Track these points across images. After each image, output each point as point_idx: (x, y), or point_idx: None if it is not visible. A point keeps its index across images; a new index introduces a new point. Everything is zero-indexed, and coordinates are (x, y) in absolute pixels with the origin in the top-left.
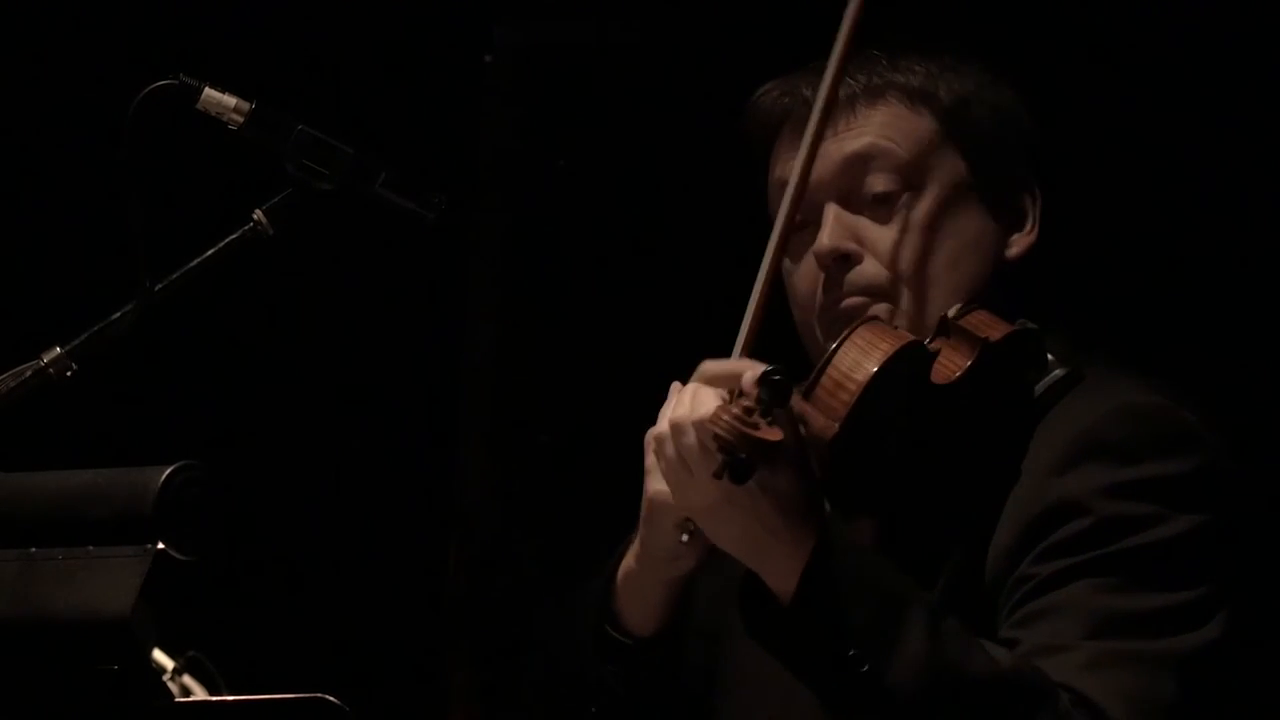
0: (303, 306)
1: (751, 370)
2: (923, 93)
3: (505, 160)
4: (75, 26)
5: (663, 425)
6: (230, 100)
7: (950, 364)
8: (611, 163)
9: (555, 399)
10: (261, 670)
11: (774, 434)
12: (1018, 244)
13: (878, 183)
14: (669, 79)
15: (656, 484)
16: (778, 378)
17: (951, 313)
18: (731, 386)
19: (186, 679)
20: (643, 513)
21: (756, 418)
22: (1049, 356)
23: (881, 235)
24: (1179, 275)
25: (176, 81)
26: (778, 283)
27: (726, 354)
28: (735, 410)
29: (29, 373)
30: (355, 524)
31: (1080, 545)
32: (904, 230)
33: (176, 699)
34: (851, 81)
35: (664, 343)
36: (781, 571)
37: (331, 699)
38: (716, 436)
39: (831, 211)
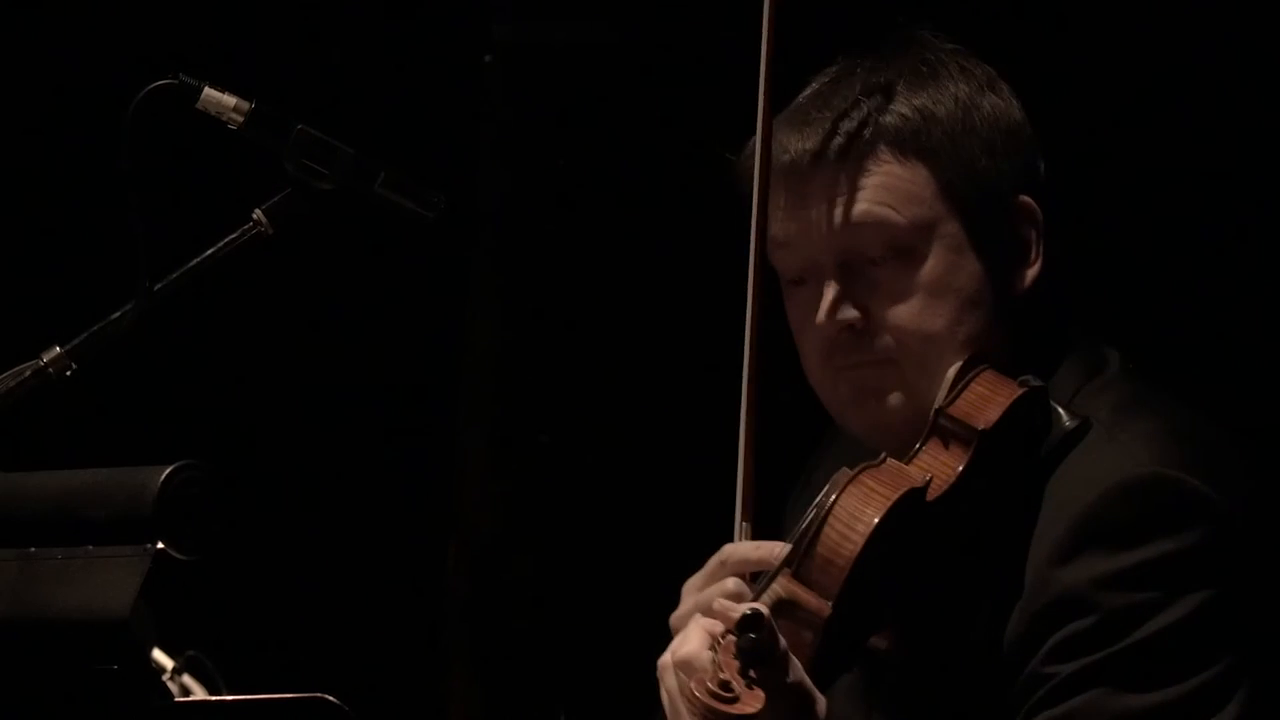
0: (302, 306)
1: (724, 610)
2: (914, 145)
3: (504, 160)
4: (75, 26)
5: (665, 657)
6: (230, 100)
7: (944, 474)
8: (611, 162)
9: (555, 399)
10: (261, 670)
11: (753, 701)
12: (1024, 278)
13: (876, 249)
14: (669, 79)
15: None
16: (752, 635)
17: (943, 396)
18: (719, 614)
19: (186, 678)
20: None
21: (736, 686)
22: (1056, 408)
23: (885, 302)
24: (1191, 277)
25: (176, 81)
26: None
27: (732, 353)
28: (711, 686)
29: (29, 372)
30: (355, 524)
31: (1088, 644)
32: (907, 296)
33: (176, 698)
34: (840, 136)
35: (663, 343)
36: None
37: (331, 699)
38: (693, 713)
39: (831, 284)
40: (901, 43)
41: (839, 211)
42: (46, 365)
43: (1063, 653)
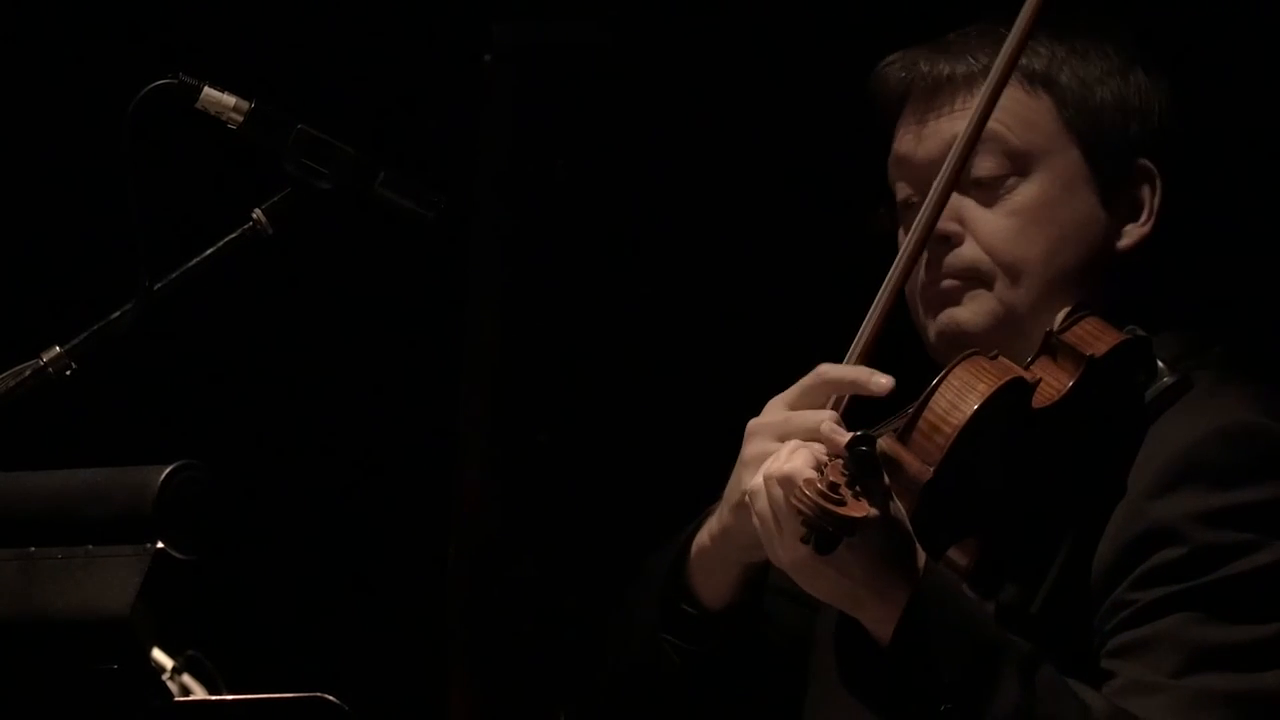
0: (302, 306)
1: (834, 431)
2: (1044, 76)
3: (504, 160)
4: (75, 26)
5: (757, 478)
6: (230, 99)
7: (1053, 385)
8: (611, 162)
9: (554, 398)
10: (261, 669)
11: (860, 509)
12: (1130, 235)
13: (984, 165)
14: (668, 78)
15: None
16: (864, 448)
17: (1057, 325)
18: (825, 437)
19: (186, 678)
20: (730, 501)
21: (843, 491)
22: (1159, 363)
23: (983, 218)
24: None
25: (176, 80)
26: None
27: (731, 353)
28: (821, 486)
29: (28, 372)
30: (354, 523)
31: (1175, 574)
32: (1006, 216)
33: (176, 698)
34: (971, 60)
35: (663, 342)
36: (875, 622)
37: (330, 698)
38: (800, 511)
39: (936, 191)
40: (1061, 7)
41: (955, 126)
42: (46, 365)
43: (1150, 580)
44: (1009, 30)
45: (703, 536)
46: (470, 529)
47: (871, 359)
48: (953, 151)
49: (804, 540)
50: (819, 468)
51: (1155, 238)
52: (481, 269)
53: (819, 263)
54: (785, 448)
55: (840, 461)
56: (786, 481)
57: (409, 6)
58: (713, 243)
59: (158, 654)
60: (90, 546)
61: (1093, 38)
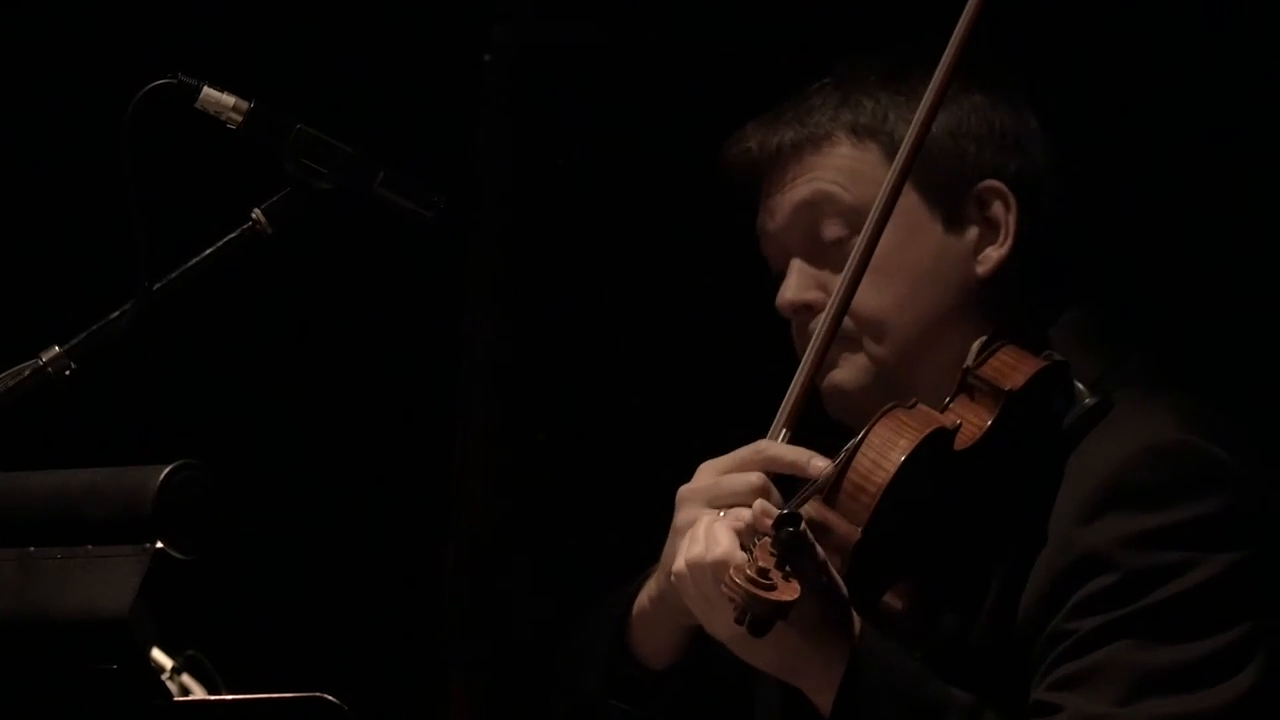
0: (301, 305)
1: (763, 510)
2: (869, 128)
3: (503, 159)
4: (74, 25)
5: (680, 562)
6: (229, 99)
7: (973, 425)
8: (610, 162)
9: (553, 397)
10: (260, 669)
11: (791, 591)
12: (989, 259)
13: (829, 229)
14: (667, 78)
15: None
16: (791, 528)
17: (972, 359)
18: (747, 517)
19: (185, 678)
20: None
21: (773, 575)
22: (1078, 385)
23: (837, 282)
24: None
25: (175, 80)
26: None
27: (730, 354)
28: (750, 572)
29: (27, 372)
30: (353, 523)
31: (1111, 601)
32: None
33: (175, 698)
34: (798, 126)
35: (662, 342)
36: (815, 688)
37: (330, 698)
38: (731, 599)
39: (794, 265)
40: (896, 44)
41: (794, 195)
42: (45, 365)
43: (1086, 609)
44: (846, 68)
45: (642, 598)
46: (469, 529)
47: (800, 420)
48: (860, 240)
49: (737, 622)
50: (746, 547)
51: (1024, 253)
52: (481, 269)
53: None
54: (703, 523)
55: (768, 540)
56: (716, 568)
57: (409, 7)
58: (713, 243)
59: (157, 654)
60: (89, 546)
61: (921, 74)
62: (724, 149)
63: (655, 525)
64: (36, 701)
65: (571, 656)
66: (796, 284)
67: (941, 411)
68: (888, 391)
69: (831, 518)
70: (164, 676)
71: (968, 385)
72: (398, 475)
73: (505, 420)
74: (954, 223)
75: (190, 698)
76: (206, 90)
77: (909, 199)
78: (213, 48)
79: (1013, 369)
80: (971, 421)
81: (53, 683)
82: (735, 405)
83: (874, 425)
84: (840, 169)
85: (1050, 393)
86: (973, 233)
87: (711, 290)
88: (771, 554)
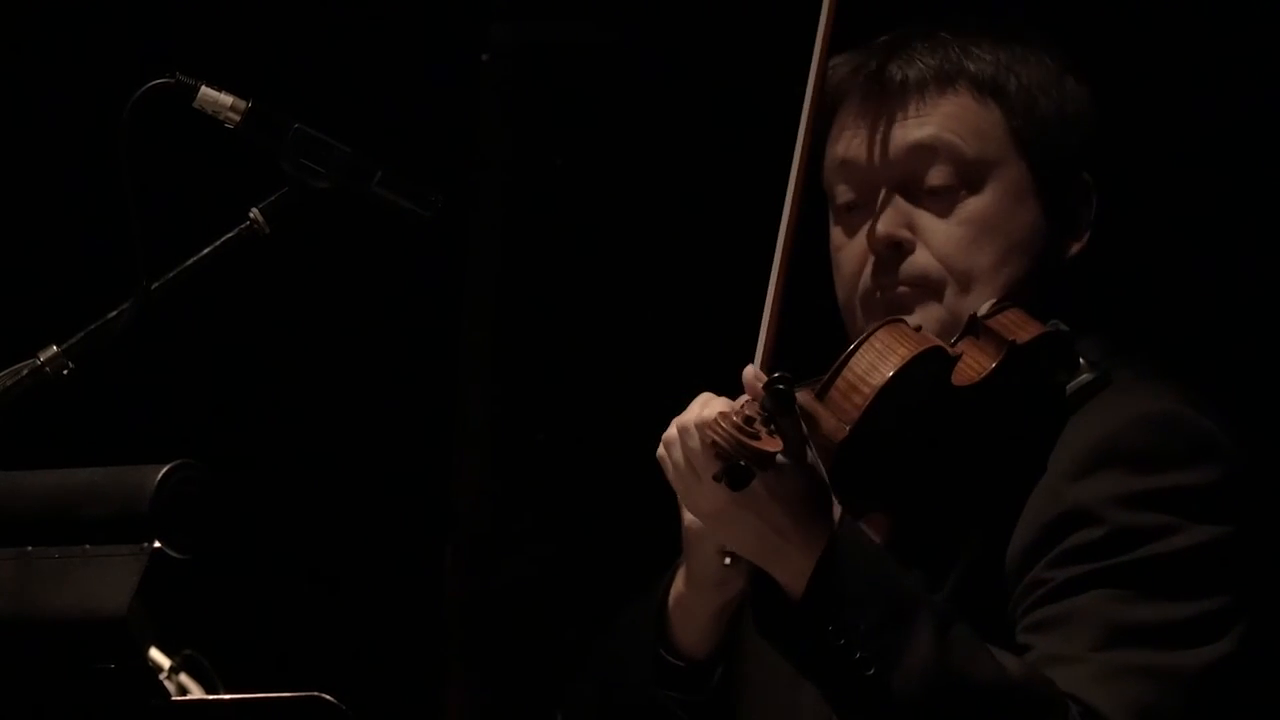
0: (299, 305)
1: (754, 374)
2: (993, 84)
3: (502, 159)
4: (73, 25)
5: (671, 428)
6: (227, 99)
7: (974, 365)
8: (608, 161)
9: (551, 397)
10: (258, 669)
11: (773, 444)
12: (1069, 248)
13: (938, 175)
14: (666, 77)
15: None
16: (781, 386)
17: (982, 311)
18: (746, 380)
19: (183, 677)
20: (684, 542)
21: (758, 426)
22: (1080, 360)
23: (936, 228)
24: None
25: (173, 80)
26: (794, 271)
27: (730, 353)
28: (735, 419)
29: (26, 371)
30: (352, 523)
31: (1094, 553)
32: (958, 226)
33: (173, 697)
34: (922, 64)
35: (661, 340)
36: (792, 572)
37: (328, 698)
38: (714, 444)
39: (890, 198)
40: (987, 13)
41: (908, 133)
42: (44, 364)
43: (1067, 559)
44: (950, 35)
45: (677, 585)
46: (468, 528)
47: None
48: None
49: (717, 478)
50: (732, 409)
51: (1089, 251)
52: (479, 268)
53: (818, 261)
54: (696, 401)
55: (755, 402)
56: (701, 424)
57: (408, 6)
58: (712, 241)
59: (155, 653)
60: (87, 546)
61: (1030, 45)
62: (832, 68)
63: (655, 525)
64: (34, 701)
65: (613, 653)
66: (891, 219)
67: (948, 344)
68: (942, 339)
69: (821, 411)
70: (162, 676)
71: (974, 329)
72: (397, 475)
73: (504, 420)
74: (1052, 204)
75: (188, 697)
76: (204, 90)
77: (1021, 169)
78: (211, 47)
79: (1020, 327)
80: (973, 362)
81: (51, 682)
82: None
83: (875, 330)
84: (963, 120)
85: (1053, 360)
86: (1061, 219)
87: (711, 289)
88: (761, 412)
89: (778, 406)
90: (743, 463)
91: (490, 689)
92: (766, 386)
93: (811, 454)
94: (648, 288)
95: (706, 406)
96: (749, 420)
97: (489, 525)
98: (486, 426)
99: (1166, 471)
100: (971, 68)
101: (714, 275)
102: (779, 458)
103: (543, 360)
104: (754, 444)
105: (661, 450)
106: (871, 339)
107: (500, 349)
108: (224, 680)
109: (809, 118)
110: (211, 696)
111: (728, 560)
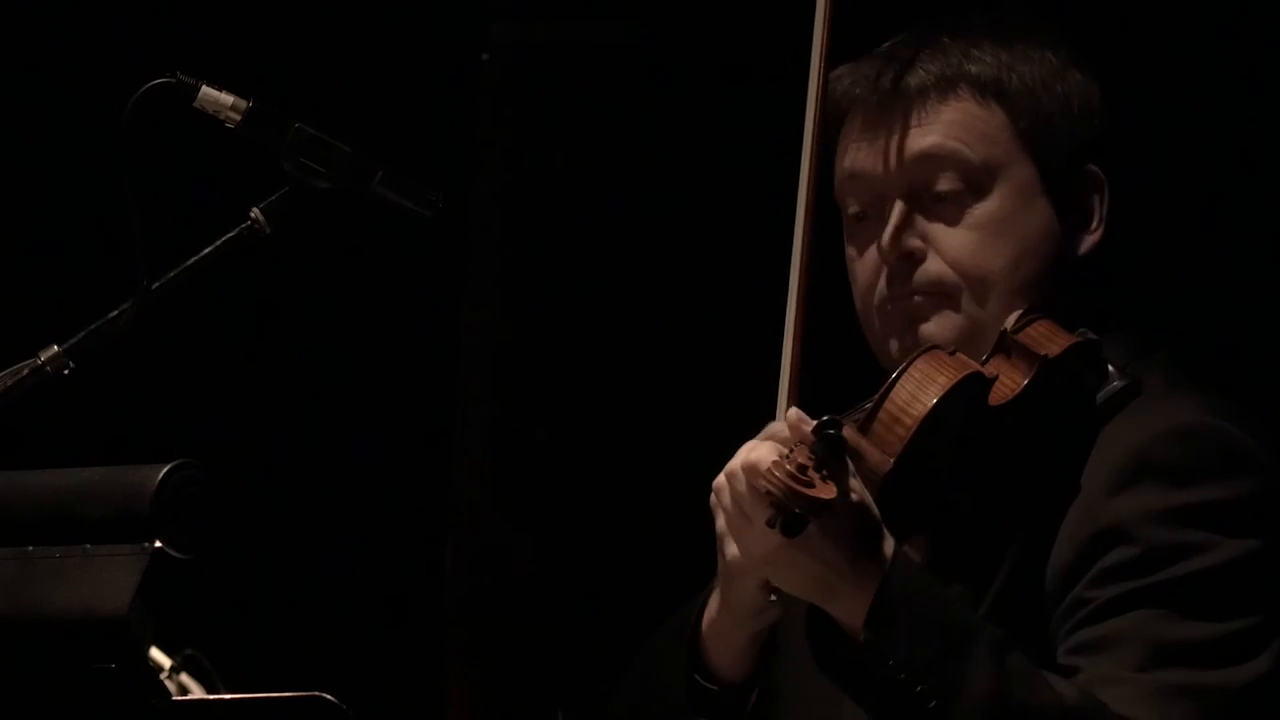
0: (300, 305)
1: (799, 418)
2: (995, 85)
3: (502, 158)
4: (73, 25)
5: (721, 476)
6: (227, 98)
7: (1008, 383)
8: (608, 161)
9: (552, 396)
10: (259, 669)
11: (827, 491)
12: (1083, 243)
13: (945, 183)
14: (665, 77)
15: (732, 548)
16: (831, 431)
17: (1010, 325)
18: (791, 424)
19: (183, 677)
20: (722, 574)
21: (811, 473)
22: (1110, 367)
23: (946, 235)
24: (1247, 275)
25: (173, 79)
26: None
27: (730, 353)
28: (788, 466)
29: (26, 371)
30: (353, 522)
31: (1132, 572)
32: (969, 231)
33: (173, 697)
34: (923, 71)
35: (661, 340)
36: (848, 609)
37: (329, 697)
38: (768, 493)
39: (899, 208)
40: (988, 9)
41: (912, 143)
42: (44, 364)
43: (1107, 578)
44: (951, 38)
45: (710, 608)
46: (468, 528)
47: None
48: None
49: (770, 524)
50: (783, 456)
51: (1104, 244)
52: (480, 268)
53: (819, 261)
54: (745, 447)
55: (805, 447)
56: (751, 469)
57: (408, 6)
58: (712, 241)
59: (155, 653)
60: (88, 546)
61: (1031, 40)
62: (831, 79)
63: (654, 524)
64: (35, 700)
65: (647, 676)
66: (901, 229)
67: (981, 365)
68: (969, 353)
69: (865, 445)
70: (162, 676)
71: (1005, 346)
72: (396, 474)
73: (504, 419)
74: (1062, 200)
75: (188, 697)
76: (205, 89)
77: (1028, 169)
78: (211, 47)
79: (1049, 339)
80: (1007, 380)
81: (51, 682)
82: (736, 403)
83: (914, 361)
84: (967, 126)
85: (1083, 369)
86: (1073, 213)
87: (711, 288)
88: (810, 458)
89: (830, 452)
90: (798, 510)
91: (491, 689)
92: (817, 432)
93: (863, 493)
94: (648, 287)
95: (754, 451)
96: (802, 469)
97: (489, 524)
98: (487, 425)
99: (1199, 486)
100: (972, 70)
101: (714, 275)
102: (834, 504)
103: (543, 360)
104: (809, 493)
105: (713, 498)
106: (910, 369)
107: (500, 349)
108: (224, 680)
109: (813, 140)
110: (212, 696)
111: (774, 597)
